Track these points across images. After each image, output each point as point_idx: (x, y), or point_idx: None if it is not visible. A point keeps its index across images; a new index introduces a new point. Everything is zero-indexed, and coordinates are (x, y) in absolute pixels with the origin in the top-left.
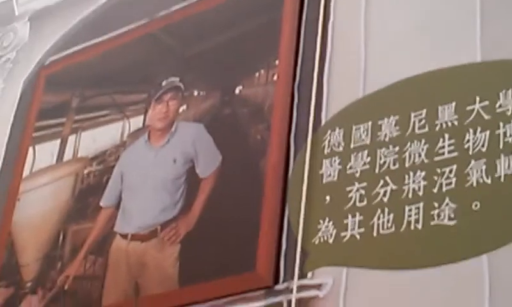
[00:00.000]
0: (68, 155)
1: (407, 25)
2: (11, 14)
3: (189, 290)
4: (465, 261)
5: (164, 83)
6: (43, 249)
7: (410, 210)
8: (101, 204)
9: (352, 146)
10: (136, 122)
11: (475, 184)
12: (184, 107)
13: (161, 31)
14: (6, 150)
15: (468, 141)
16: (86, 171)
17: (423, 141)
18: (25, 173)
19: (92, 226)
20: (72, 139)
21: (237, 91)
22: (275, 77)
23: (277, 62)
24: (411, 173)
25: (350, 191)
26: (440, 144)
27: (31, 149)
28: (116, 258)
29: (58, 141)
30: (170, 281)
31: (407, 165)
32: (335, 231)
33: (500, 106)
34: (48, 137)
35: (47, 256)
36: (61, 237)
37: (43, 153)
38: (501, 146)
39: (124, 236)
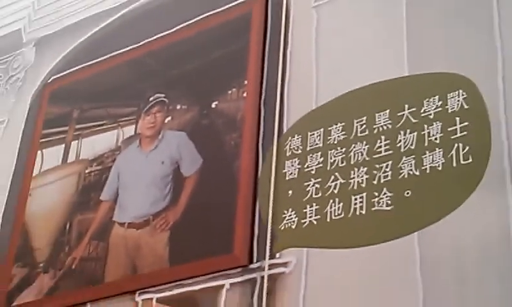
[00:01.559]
0: (71, 157)
1: (349, 49)
2: (19, 41)
3: (177, 269)
4: (400, 238)
5: (151, 98)
6: (53, 236)
7: (356, 199)
8: (101, 198)
9: (308, 148)
10: (129, 131)
11: (406, 176)
12: (169, 118)
13: (146, 55)
14: (18, 154)
15: (400, 141)
16: (87, 171)
17: (364, 142)
18: (35, 172)
19: (94, 216)
20: (74, 144)
21: (213, 105)
22: (245, 94)
23: (246, 82)
24: (356, 169)
25: (307, 185)
26: (378, 144)
27: (39, 152)
28: (115, 243)
29: (63, 146)
30: (162, 261)
31: (352, 162)
32: (296, 218)
33: (424, 111)
34: (54, 143)
35: (57, 241)
36: (67, 225)
37: (50, 156)
38: (426, 144)
39: (121, 224)
